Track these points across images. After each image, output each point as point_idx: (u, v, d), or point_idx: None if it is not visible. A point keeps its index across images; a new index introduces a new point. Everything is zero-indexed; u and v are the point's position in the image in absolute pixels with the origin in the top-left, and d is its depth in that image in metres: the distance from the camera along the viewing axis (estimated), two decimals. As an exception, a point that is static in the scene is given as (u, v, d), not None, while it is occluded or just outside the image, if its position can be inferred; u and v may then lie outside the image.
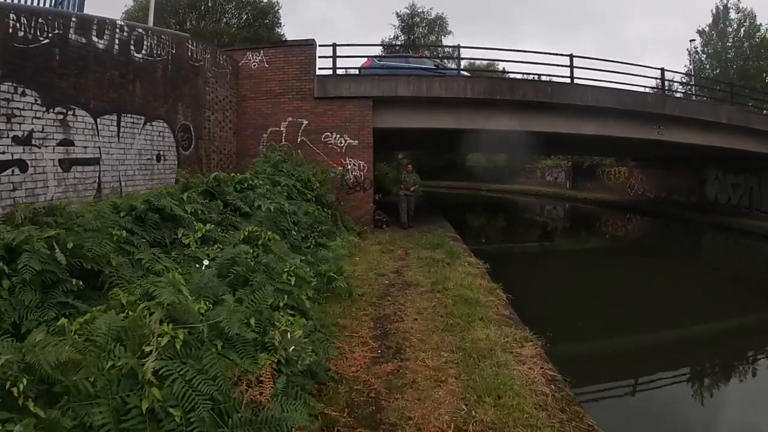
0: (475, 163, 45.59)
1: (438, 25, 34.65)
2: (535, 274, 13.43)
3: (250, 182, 8.40)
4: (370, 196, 12.71)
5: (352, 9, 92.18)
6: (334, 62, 13.22)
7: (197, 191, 7.23)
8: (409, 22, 34.39)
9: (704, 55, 39.34)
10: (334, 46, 13.29)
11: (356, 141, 12.51)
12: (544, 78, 15.11)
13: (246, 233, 5.67)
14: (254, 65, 13.17)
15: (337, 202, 11.25)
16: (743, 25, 38.50)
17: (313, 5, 75.44)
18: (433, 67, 15.05)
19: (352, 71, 15.49)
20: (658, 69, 16.81)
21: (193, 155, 11.12)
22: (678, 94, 21.82)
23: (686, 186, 24.87)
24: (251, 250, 4.95)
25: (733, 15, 39.09)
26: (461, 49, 14.17)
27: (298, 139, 12.80)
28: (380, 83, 12.53)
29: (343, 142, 12.53)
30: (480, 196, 41.81)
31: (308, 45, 12.89)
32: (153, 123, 9.21)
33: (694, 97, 21.64)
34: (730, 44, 37.98)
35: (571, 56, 14.47)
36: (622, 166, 31.49)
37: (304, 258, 6.20)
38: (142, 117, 8.87)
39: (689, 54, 38.83)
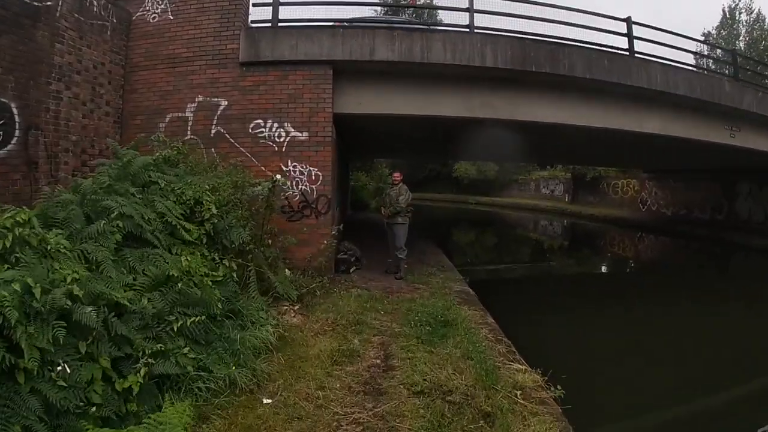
0: (463, 173, 41.33)
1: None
2: (547, 315, 9.24)
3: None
4: (329, 223, 7.78)
5: None
6: (276, 10, 8.33)
7: None
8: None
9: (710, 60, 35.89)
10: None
11: (305, 133, 7.61)
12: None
13: None
14: (154, 17, 8.29)
15: (263, 238, 6.31)
16: (754, 28, 35.33)
17: None
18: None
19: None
20: (728, 50, 12.35)
21: (17, 156, 6.36)
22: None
23: (710, 201, 21.28)
24: None
25: (744, 17, 36.02)
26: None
27: (212, 131, 7.88)
28: (346, 39, 7.62)
29: (284, 135, 7.61)
30: (468, 210, 37.32)
31: (234, -21, 8.00)
32: None
33: None
34: (739, 48, 34.31)
35: (629, 21, 9.88)
36: (630, 178, 27.68)
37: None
38: None
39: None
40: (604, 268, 17.95)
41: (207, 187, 5.62)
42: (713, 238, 19.34)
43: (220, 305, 4.45)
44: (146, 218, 4.77)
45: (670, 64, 10.02)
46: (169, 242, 4.91)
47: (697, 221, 21.65)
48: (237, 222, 5.59)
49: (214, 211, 5.27)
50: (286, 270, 7.04)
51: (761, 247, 16.71)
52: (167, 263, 4.44)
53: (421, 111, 8.10)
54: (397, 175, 8.69)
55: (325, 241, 7.52)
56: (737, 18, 36.39)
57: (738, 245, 17.98)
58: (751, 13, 35.78)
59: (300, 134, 7.53)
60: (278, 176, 6.57)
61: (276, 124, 7.58)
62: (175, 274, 4.11)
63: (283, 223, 7.45)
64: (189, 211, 5.34)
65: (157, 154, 6.51)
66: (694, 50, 26.22)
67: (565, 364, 4.79)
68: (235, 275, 5.15)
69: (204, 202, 5.36)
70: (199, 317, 4.04)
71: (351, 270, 8.53)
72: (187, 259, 4.68)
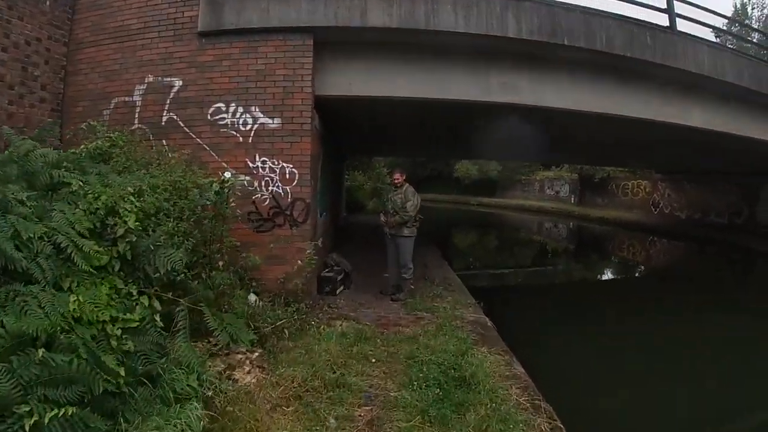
0: (464, 173, 39.65)
1: None
2: (566, 330, 8.03)
3: None
4: (309, 234, 6.13)
5: None
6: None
7: None
8: None
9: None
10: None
11: (276, 120, 5.95)
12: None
13: None
14: (103, -16, 6.74)
15: (213, 260, 4.69)
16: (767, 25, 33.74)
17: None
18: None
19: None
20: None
21: None
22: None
23: (729, 205, 19.84)
24: None
25: (756, 13, 34.46)
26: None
27: (163, 118, 6.25)
28: (330, 1, 5.99)
29: (250, 122, 5.96)
30: (470, 211, 35.68)
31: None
32: None
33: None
34: (749, 45, 32.71)
35: (672, -9, 8.28)
36: (641, 179, 26.26)
37: None
38: None
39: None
40: (619, 275, 16.49)
41: (130, 190, 3.99)
42: (731, 244, 17.95)
43: (123, 372, 2.86)
44: (25, 237, 3.18)
45: (717, 46, 8.46)
46: (60, 273, 3.30)
47: (714, 225, 20.25)
48: (169, 239, 3.96)
49: (132, 224, 3.63)
50: (252, 296, 5.46)
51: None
52: (42, 308, 2.87)
53: (425, 94, 6.44)
54: (398, 176, 7.02)
55: (303, 256, 5.88)
56: (749, 14, 34.83)
57: (758, 252, 16.56)
58: (764, 8, 34.27)
59: (270, 121, 5.88)
60: (228, 174, 4.93)
61: (241, 109, 5.94)
62: (48, 328, 2.51)
63: (249, 234, 5.83)
64: (100, 224, 3.73)
65: (82, 146, 4.94)
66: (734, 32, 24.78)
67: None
68: (158, 318, 3.55)
69: (120, 211, 3.74)
70: (69, 409, 2.44)
71: (338, 290, 6.92)
72: (78, 300, 3.09)
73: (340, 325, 5.39)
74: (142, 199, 4.00)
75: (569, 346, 7.10)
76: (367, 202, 23.15)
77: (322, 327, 5.23)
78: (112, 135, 5.27)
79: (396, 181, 6.98)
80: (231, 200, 4.89)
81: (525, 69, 6.84)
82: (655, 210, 24.61)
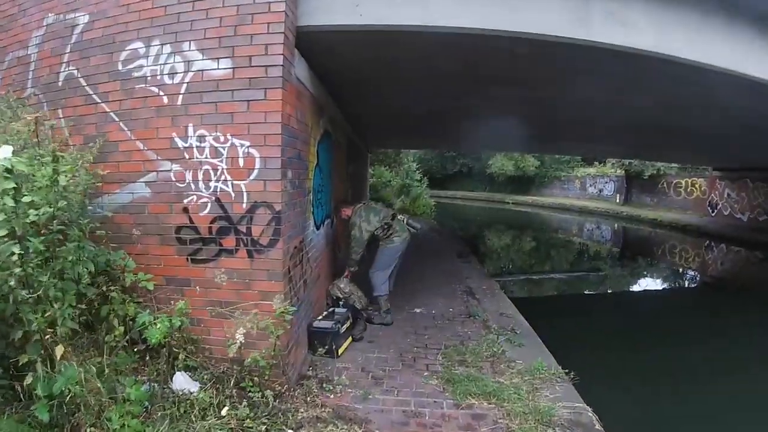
0: (498, 169, 36.60)
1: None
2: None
3: None
4: (278, 266, 3.41)
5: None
6: None
7: None
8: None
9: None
10: None
11: (224, 62, 3.33)
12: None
13: None
14: None
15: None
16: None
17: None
18: None
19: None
20: None
21: None
22: None
23: None
24: None
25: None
26: None
27: (61, 75, 3.83)
28: None
29: (182, 68, 3.38)
30: (506, 211, 32.66)
31: None
32: None
33: None
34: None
35: None
36: (696, 176, 23.84)
37: None
38: None
39: None
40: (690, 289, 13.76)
41: None
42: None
43: None
44: None
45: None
46: None
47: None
48: None
49: None
50: (179, 377, 3.06)
51: None
52: None
53: (485, 24, 3.74)
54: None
55: (272, 309, 3.34)
56: None
57: None
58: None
59: (214, 65, 3.30)
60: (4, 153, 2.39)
61: (168, 48, 3.40)
62: None
63: (180, 265, 3.37)
64: None
65: None
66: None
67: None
68: None
69: None
70: None
71: (340, 348, 4.39)
72: None
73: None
74: None
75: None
76: (394, 200, 20.54)
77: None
78: None
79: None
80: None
81: (641, -5, 4.16)
82: (713, 211, 21.85)
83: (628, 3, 4.16)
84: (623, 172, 28.85)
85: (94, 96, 3.66)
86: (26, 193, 2.35)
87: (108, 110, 3.58)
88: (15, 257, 2.23)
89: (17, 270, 2.24)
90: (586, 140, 13.20)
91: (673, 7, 4.42)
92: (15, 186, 2.24)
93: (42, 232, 2.50)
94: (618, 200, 29.25)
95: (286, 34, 3.35)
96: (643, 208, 26.18)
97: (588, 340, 6.79)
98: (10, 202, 2.25)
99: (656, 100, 6.60)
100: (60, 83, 3.87)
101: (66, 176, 2.73)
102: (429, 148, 28.11)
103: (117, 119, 3.53)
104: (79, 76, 3.78)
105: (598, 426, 3.39)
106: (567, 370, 4.21)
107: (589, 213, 28.96)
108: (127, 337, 3.01)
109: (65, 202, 2.70)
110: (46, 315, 2.33)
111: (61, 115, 3.79)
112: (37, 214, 2.37)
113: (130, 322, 3.05)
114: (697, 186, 23.63)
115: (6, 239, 2.25)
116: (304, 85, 4.16)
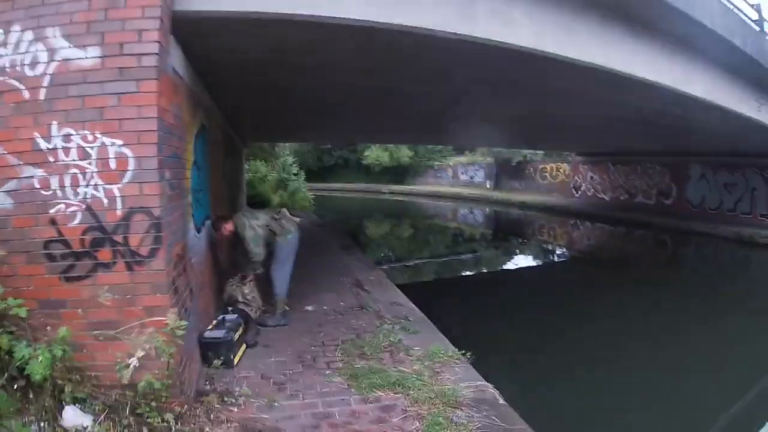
0: (374, 160, 37.41)
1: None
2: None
3: None
4: (162, 278, 3.07)
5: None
6: None
7: None
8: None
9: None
10: None
11: (92, 51, 2.90)
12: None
13: None
14: None
15: None
16: None
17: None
18: None
19: None
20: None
21: None
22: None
23: (657, 186, 19.53)
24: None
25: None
26: None
27: None
28: None
29: (44, 57, 2.87)
30: (384, 201, 33.49)
31: None
32: None
33: None
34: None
35: None
36: (560, 162, 25.89)
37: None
38: None
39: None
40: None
41: None
42: (659, 227, 17.46)
43: None
44: None
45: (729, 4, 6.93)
46: None
47: (641, 207, 19.80)
48: None
49: None
50: (70, 411, 2.69)
51: (715, 234, 15.25)
52: None
53: (368, 16, 3.67)
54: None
55: (161, 326, 3.04)
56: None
57: (689, 233, 16.21)
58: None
59: (82, 53, 2.88)
60: None
61: (29, 35, 2.90)
62: None
63: (53, 284, 2.94)
64: None
65: None
66: None
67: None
68: None
69: None
70: None
71: (236, 356, 4.15)
72: None
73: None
74: None
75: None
76: (272, 195, 19.97)
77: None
78: None
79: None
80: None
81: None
82: (577, 192, 24.27)
83: (508, 4, 4.40)
84: (492, 159, 30.76)
85: None
86: None
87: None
88: None
89: None
90: (470, 132, 13.93)
91: (551, 9, 4.80)
92: None
93: None
94: (489, 186, 31.19)
95: (162, 18, 3.03)
96: (512, 193, 28.06)
97: (477, 320, 7.16)
98: None
99: (531, 96, 7.17)
100: None
101: None
102: (311, 141, 27.75)
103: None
104: None
105: (501, 401, 3.60)
106: (463, 351, 4.40)
107: (462, 199, 30.71)
108: (6, 374, 2.56)
109: None
110: None
111: None
112: None
113: (6, 357, 2.60)
114: (561, 170, 25.60)
115: None
116: (180, 76, 3.82)
